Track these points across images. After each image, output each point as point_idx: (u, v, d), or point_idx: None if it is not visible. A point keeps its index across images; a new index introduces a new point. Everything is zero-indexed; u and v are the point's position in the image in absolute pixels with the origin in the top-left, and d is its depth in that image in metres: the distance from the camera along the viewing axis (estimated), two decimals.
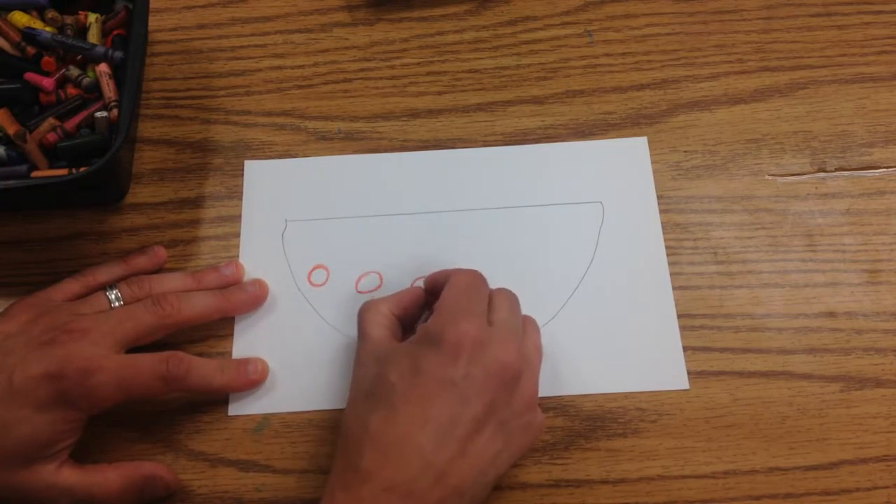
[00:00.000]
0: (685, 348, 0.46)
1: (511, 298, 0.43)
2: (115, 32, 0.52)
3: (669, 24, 0.56)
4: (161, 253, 0.49)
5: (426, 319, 0.44)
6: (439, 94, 0.55)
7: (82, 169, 0.46)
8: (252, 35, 0.57)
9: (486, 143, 0.53)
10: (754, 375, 0.46)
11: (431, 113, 0.54)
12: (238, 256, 0.50)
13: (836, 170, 0.51)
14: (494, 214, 0.51)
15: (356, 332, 0.44)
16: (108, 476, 0.41)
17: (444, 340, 0.39)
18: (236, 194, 0.52)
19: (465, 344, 0.38)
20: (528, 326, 0.43)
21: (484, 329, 0.39)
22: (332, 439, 0.45)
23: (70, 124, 0.49)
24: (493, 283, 0.45)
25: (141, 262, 0.48)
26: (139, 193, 0.52)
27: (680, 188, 0.51)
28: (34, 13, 0.52)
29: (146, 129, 0.54)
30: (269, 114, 0.54)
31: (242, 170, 0.52)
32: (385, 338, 0.42)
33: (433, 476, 0.37)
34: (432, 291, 0.45)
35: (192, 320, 0.45)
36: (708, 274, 0.49)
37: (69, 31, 0.51)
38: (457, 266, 0.46)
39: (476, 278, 0.43)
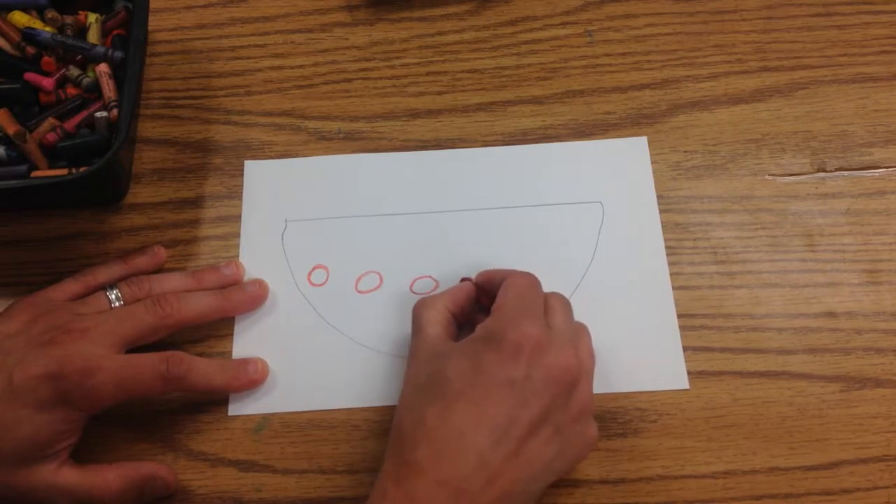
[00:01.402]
0: (685, 348, 0.46)
1: (566, 303, 0.43)
2: (115, 32, 0.52)
3: (669, 24, 0.56)
4: (161, 253, 0.49)
5: (476, 317, 0.44)
6: (439, 94, 0.55)
7: (82, 169, 0.46)
8: (252, 35, 0.57)
9: (486, 143, 0.53)
10: (754, 375, 0.46)
11: (431, 113, 0.54)
12: (238, 256, 0.50)
13: (836, 170, 0.51)
14: (494, 214, 0.51)
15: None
16: (108, 476, 0.41)
17: (505, 341, 0.38)
18: (236, 194, 0.52)
19: (525, 345, 0.38)
20: (581, 332, 0.43)
21: (544, 332, 0.39)
22: (332, 439, 0.45)
23: (70, 124, 0.49)
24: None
25: (141, 262, 0.48)
26: (139, 193, 0.52)
27: (680, 188, 0.51)
28: (34, 13, 0.52)
29: (146, 129, 0.54)
30: (268, 114, 0.54)
31: (242, 170, 0.52)
32: (441, 335, 0.42)
33: (486, 476, 0.36)
34: (485, 289, 0.45)
35: (192, 320, 0.45)
36: (708, 274, 0.49)
37: (69, 31, 0.51)
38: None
39: (533, 281, 0.43)
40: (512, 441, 0.37)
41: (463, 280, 0.47)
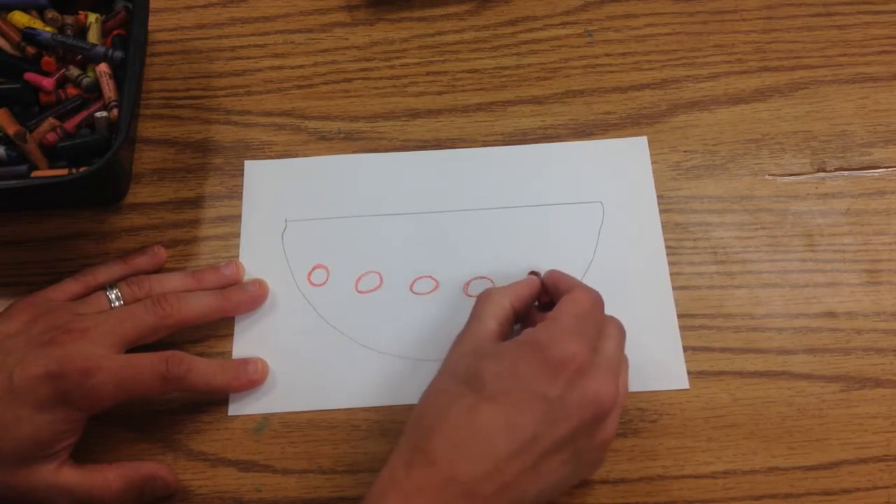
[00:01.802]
0: (685, 348, 0.46)
1: (621, 332, 0.42)
2: (115, 32, 0.52)
3: (669, 24, 0.56)
4: (161, 253, 0.49)
5: (532, 312, 0.44)
6: (439, 94, 0.55)
7: (82, 169, 0.46)
8: (252, 35, 0.57)
9: (486, 143, 0.53)
10: (754, 375, 0.46)
11: (431, 113, 0.54)
12: (238, 256, 0.50)
13: (836, 170, 0.51)
14: (494, 214, 0.51)
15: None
16: (108, 476, 0.41)
17: (551, 355, 0.38)
18: (236, 194, 0.52)
19: (568, 365, 0.37)
20: (624, 365, 0.42)
21: (590, 356, 0.38)
22: (332, 439, 0.45)
23: (70, 124, 0.49)
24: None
25: (141, 261, 0.48)
26: (139, 193, 0.52)
27: (680, 188, 0.51)
28: (34, 13, 0.52)
29: (146, 129, 0.54)
30: (268, 114, 0.54)
31: (242, 170, 0.52)
32: (495, 331, 0.41)
33: (498, 483, 0.36)
34: (549, 291, 0.45)
35: (192, 320, 0.45)
36: (708, 274, 0.49)
37: (69, 31, 0.51)
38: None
39: (597, 302, 0.42)
40: (531, 456, 0.36)
41: (531, 274, 0.46)
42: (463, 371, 0.39)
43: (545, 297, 0.45)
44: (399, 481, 0.36)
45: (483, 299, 0.43)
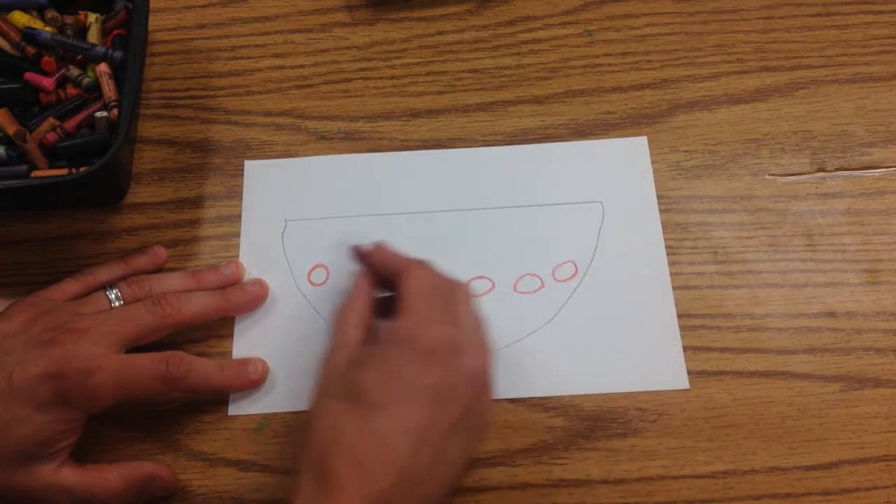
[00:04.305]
0: (685, 348, 0.46)
1: (466, 291, 0.42)
2: (115, 32, 0.52)
3: (669, 24, 0.56)
4: (161, 253, 0.49)
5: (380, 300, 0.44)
6: (439, 94, 0.55)
7: (82, 169, 0.46)
8: (252, 35, 0.57)
9: (486, 143, 0.53)
10: (754, 375, 0.46)
11: (431, 113, 0.54)
12: (238, 256, 0.50)
13: (836, 170, 0.51)
14: (494, 214, 0.51)
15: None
16: (108, 476, 0.41)
17: (421, 346, 0.38)
18: (236, 194, 0.52)
19: (439, 349, 0.38)
20: (482, 323, 0.42)
21: (458, 333, 0.39)
22: None
23: (70, 124, 0.49)
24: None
25: (141, 261, 0.48)
26: (139, 193, 0.52)
27: (680, 188, 0.51)
28: (34, 13, 0.52)
29: (146, 129, 0.54)
30: (268, 114, 0.54)
31: (242, 170, 0.52)
32: (361, 338, 0.41)
33: (410, 484, 0.36)
34: (381, 272, 0.43)
35: (192, 320, 0.45)
36: (708, 274, 0.49)
37: (69, 31, 0.51)
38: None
39: (433, 273, 0.42)
40: (433, 447, 0.36)
41: (355, 252, 0.45)
42: (342, 388, 0.38)
43: (381, 280, 0.44)
44: None
45: (341, 313, 0.42)
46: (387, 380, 0.37)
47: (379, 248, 0.45)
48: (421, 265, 0.42)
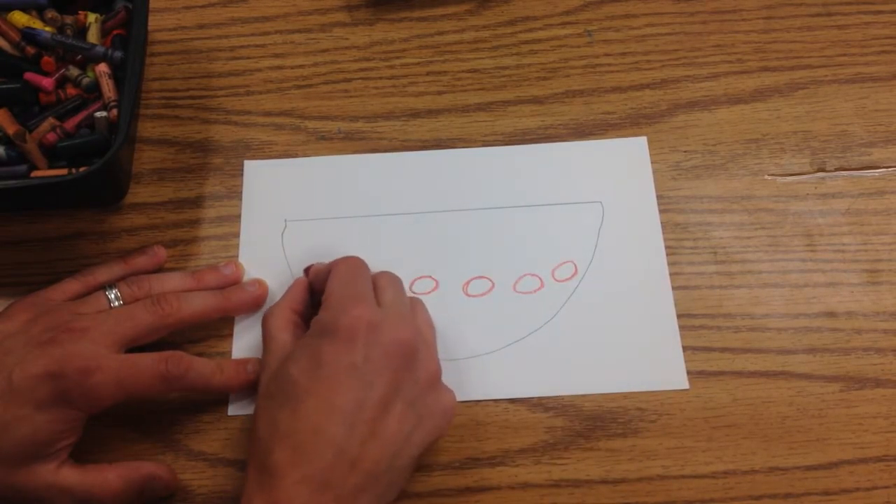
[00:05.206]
0: (685, 348, 0.46)
1: (395, 280, 0.44)
2: (115, 32, 0.52)
3: (669, 24, 0.56)
4: (161, 253, 0.49)
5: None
6: (439, 94, 0.55)
7: (82, 169, 0.46)
8: (252, 35, 0.57)
9: (486, 143, 0.53)
10: (754, 375, 0.46)
11: (431, 113, 0.54)
12: (238, 256, 0.50)
13: (836, 170, 0.51)
14: (494, 214, 0.51)
15: None
16: (108, 476, 0.41)
17: (339, 328, 0.39)
18: (236, 194, 0.52)
19: (359, 328, 0.39)
20: (415, 306, 0.44)
21: (375, 311, 0.40)
22: None
23: (70, 124, 0.49)
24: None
25: (141, 261, 0.48)
26: (139, 193, 0.52)
27: (680, 188, 0.51)
28: (34, 13, 0.52)
29: (146, 129, 0.54)
30: (268, 114, 0.54)
31: (242, 170, 0.52)
32: (289, 341, 0.43)
33: (347, 463, 0.37)
34: (318, 287, 0.45)
35: (192, 320, 0.45)
36: (708, 274, 0.49)
37: (69, 31, 0.51)
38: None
39: (358, 264, 0.44)
40: (365, 424, 0.37)
41: (304, 272, 0.48)
42: (275, 386, 0.40)
43: (321, 294, 0.45)
44: None
45: (269, 319, 0.44)
46: (313, 368, 0.39)
47: (316, 264, 0.47)
48: (346, 259, 0.44)
